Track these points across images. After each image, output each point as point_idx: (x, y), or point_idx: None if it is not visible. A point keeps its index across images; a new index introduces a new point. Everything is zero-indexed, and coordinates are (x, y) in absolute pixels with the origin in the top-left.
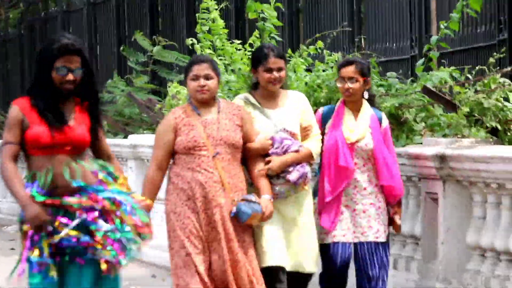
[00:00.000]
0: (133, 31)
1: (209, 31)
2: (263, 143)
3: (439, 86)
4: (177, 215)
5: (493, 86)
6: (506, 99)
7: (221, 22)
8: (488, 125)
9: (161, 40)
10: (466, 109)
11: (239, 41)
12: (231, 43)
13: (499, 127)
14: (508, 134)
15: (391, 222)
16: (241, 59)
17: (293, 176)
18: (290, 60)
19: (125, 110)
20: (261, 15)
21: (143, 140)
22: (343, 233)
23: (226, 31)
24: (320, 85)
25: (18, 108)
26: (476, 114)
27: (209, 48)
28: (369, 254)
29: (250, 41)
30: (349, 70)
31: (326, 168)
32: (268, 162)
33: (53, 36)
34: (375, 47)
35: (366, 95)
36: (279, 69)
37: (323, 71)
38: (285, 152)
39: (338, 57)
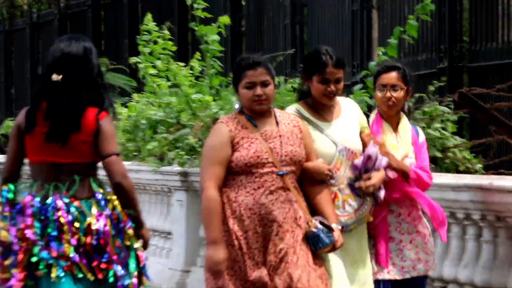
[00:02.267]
0: None
1: (151, 53)
2: (320, 166)
3: None
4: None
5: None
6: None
7: (162, 44)
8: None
9: (107, 63)
10: None
11: (182, 64)
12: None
13: (439, 155)
14: (446, 162)
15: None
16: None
17: (381, 194)
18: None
19: None
20: (205, 38)
21: None
22: (387, 269)
23: (162, 49)
24: None
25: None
26: None
27: (153, 68)
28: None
29: (191, 63)
30: (392, 77)
31: None
32: (368, 178)
33: None
34: None
35: (406, 107)
36: (337, 81)
37: None
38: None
39: (280, 81)
